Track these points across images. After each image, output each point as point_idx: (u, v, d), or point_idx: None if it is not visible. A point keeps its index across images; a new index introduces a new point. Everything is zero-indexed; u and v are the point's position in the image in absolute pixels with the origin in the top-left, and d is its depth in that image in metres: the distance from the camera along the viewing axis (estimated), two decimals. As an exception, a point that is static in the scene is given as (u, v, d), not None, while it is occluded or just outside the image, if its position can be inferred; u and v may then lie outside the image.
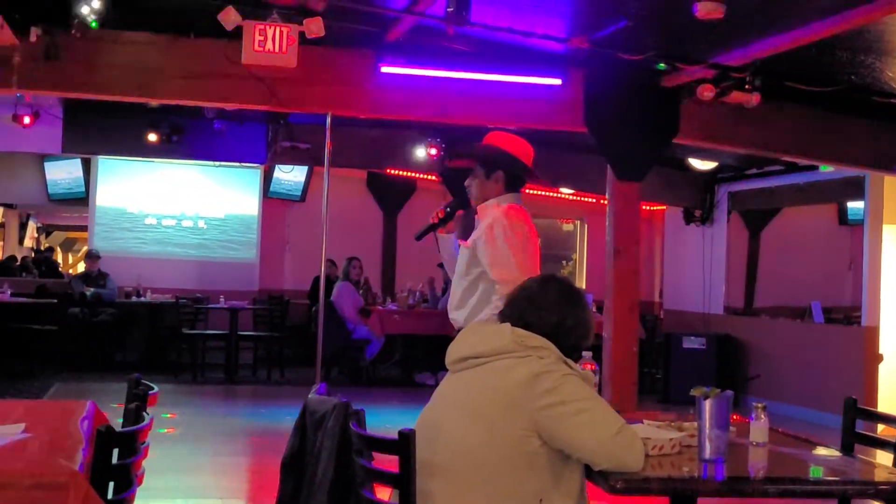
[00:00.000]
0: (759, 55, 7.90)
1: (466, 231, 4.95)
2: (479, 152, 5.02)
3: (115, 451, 3.27)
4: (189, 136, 13.55)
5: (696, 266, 14.24)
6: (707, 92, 8.22)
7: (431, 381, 12.80)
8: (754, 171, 13.28)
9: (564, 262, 18.40)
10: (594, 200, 15.78)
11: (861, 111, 9.56)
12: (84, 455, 3.23)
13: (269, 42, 7.80)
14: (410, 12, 7.80)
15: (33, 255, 21.11)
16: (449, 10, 6.98)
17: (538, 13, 8.11)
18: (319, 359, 9.74)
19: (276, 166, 15.69)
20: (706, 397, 3.27)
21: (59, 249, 26.72)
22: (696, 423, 3.38)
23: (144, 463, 3.61)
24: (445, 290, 13.08)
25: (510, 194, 4.88)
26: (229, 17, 7.66)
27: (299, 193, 16.30)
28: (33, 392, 10.95)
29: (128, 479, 3.44)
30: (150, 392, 4.02)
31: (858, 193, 11.62)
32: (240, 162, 14.81)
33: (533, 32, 8.23)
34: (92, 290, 13.94)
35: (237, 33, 7.84)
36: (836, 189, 12.46)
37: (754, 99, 8.27)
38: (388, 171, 15.54)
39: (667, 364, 12.95)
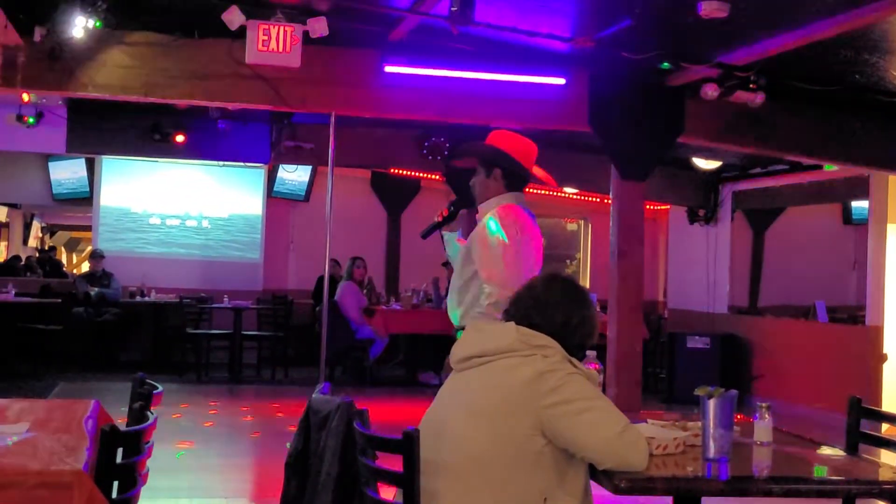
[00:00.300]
0: (763, 54, 7.90)
1: (469, 230, 4.96)
2: (478, 151, 5.02)
3: (120, 451, 3.27)
4: (193, 136, 13.56)
5: (700, 265, 14.23)
6: (711, 91, 8.22)
7: (435, 381, 12.79)
8: (758, 170, 13.27)
9: (568, 261, 18.38)
10: (598, 200, 15.79)
11: (865, 110, 9.56)
12: (88, 454, 3.23)
13: (273, 42, 7.81)
14: (414, 12, 7.80)
15: (38, 254, 21.14)
16: (453, 9, 6.98)
17: (542, 12, 8.10)
18: (323, 358, 9.74)
19: (280, 166, 15.69)
20: (710, 397, 3.27)
21: (63, 249, 26.78)
22: (700, 423, 3.37)
23: (149, 462, 3.61)
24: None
25: (510, 194, 4.86)
26: (233, 17, 7.68)
27: (303, 193, 16.30)
28: (38, 391, 10.95)
29: (132, 479, 3.44)
30: (155, 392, 4.02)
31: (863, 193, 11.61)
32: (244, 162, 14.81)
33: (537, 32, 8.23)
34: (96, 289, 13.95)
35: (241, 33, 7.85)
36: (840, 188, 12.44)
37: (759, 98, 8.27)
38: (391, 170, 15.55)
39: (671, 363, 12.94)
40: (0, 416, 3.87)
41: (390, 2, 8.40)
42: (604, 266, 10.20)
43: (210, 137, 13.59)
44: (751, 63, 8.11)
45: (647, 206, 12.28)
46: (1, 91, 8.29)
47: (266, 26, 7.81)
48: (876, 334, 11.13)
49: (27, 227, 23.43)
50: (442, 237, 5.13)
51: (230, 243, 15.60)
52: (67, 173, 16.30)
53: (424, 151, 13.58)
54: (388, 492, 3.32)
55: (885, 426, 6.63)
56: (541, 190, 13.97)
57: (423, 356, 13.90)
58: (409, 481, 3.06)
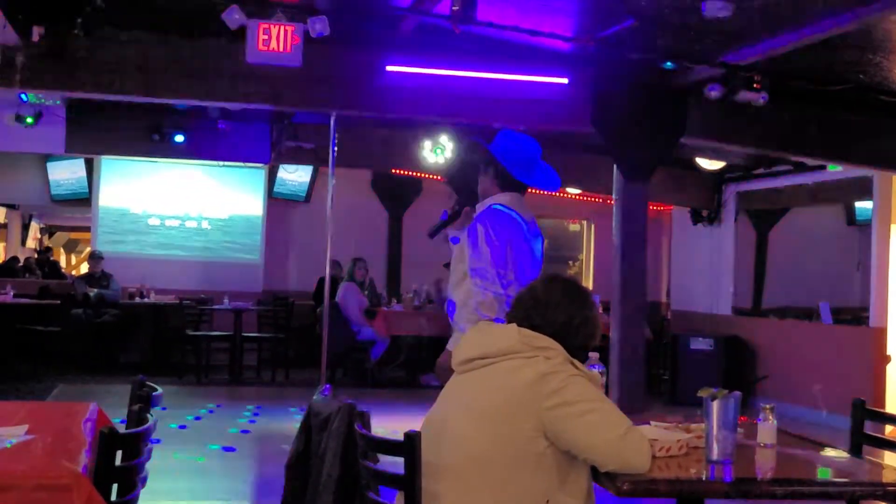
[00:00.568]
0: (767, 54, 7.88)
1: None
2: (477, 149, 5.00)
3: (119, 454, 3.25)
4: (193, 136, 13.55)
5: (703, 266, 14.21)
6: (715, 91, 8.20)
7: (437, 383, 12.73)
8: (762, 170, 13.26)
9: (571, 262, 18.37)
10: (601, 200, 15.76)
11: (869, 110, 9.54)
12: (87, 457, 3.23)
13: (274, 41, 7.79)
14: (416, 11, 7.78)
15: (36, 255, 21.13)
16: (455, 8, 6.96)
17: (545, 12, 8.09)
18: (324, 360, 9.73)
19: (281, 167, 15.69)
20: (714, 398, 3.26)
21: (61, 250, 26.77)
22: (703, 425, 3.35)
23: (148, 465, 3.58)
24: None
25: (504, 194, 4.84)
26: (234, 17, 7.65)
27: (304, 194, 16.30)
28: (37, 394, 10.94)
29: (131, 482, 3.42)
30: (154, 393, 3.99)
31: (866, 193, 11.59)
32: (244, 162, 14.80)
33: (540, 31, 8.20)
34: (95, 291, 13.93)
35: (241, 32, 7.83)
36: (844, 189, 12.42)
37: (762, 98, 8.25)
38: (393, 171, 15.53)
39: (674, 365, 12.92)
40: (-2, 418, 3.85)
41: (392, 1, 8.38)
42: (607, 267, 10.18)
43: (210, 138, 13.59)
44: (754, 63, 8.10)
45: (651, 207, 12.26)
46: None
47: (266, 26, 7.79)
48: (880, 336, 11.10)
49: (25, 228, 23.42)
50: (446, 237, 5.12)
51: (230, 244, 15.59)
52: (66, 174, 16.29)
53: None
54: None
55: (888, 428, 6.60)
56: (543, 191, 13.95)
57: (424, 358, 13.87)
58: (410, 483, 3.05)
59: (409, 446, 3.04)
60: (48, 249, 22.35)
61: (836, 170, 11.68)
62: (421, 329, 13.57)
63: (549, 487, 3.11)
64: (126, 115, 12.81)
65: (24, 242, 23.21)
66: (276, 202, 16.08)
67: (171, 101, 9.71)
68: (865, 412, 4.24)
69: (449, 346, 4.80)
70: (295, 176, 16.13)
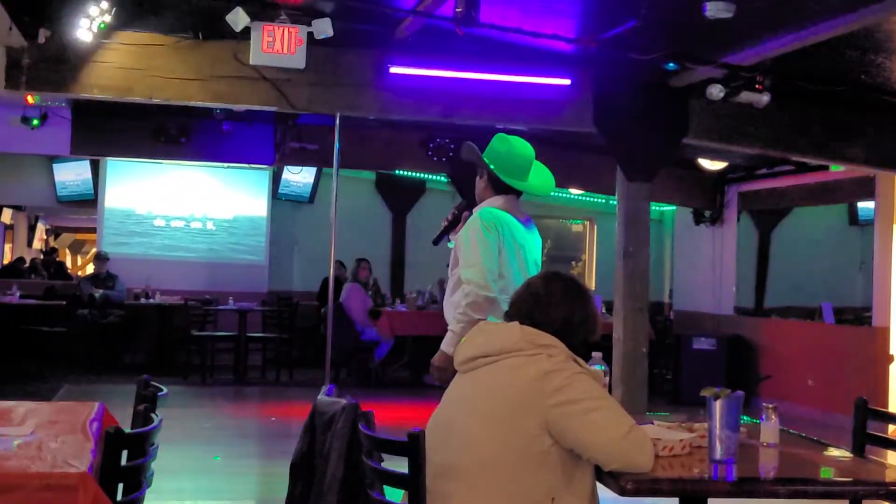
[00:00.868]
0: (768, 55, 7.88)
1: None
2: (470, 152, 5.00)
3: (125, 453, 3.27)
4: (197, 138, 13.56)
5: (706, 267, 14.20)
6: (717, 92, 8.20)
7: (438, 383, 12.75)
8: (764, 171, 13.24)
9: (573, 262, 18.37)
10: (603, 201, 15.77)
11: (871, 110, 9.53)
12: (93, 457, 3.23)
13: (278, 43, 7.81)
14: (419, 13, 7.79)
15: (42, 256, 21.17)
16: (458, 10, 6.97)
17: (547, 13, 8.10)
18: (328, 360, 9.74)
19: (285, 168, 15.70)
20: (717, 398, 3.25)
21: (67, 251, 26.79)
22: (706, 424, 3.36)
23: (154, 464, 3.60)
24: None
25: (498, 197, 4.85)
26: (238, 18, 7.67)
27: (308, 195, 16.31)
28: (42, 394, 10.95)
29: (137, 481, 3.44)
30: (160, 394, 4.01)
31: (869, 193, 11.58)
32: (248, 163, 14.80)
33: (542, 33, 8.21)
34: (101, 291, 13.95)
35: (245, 34, 7.85)
36: (846, 189, 12.41)
37: (764, 98, 8.24)
38: (397, 172, 15.54)
39: (677, 365, 12.92)
40: (5, 418, 3.87)
41: (395, 3, 8.40)
42: (609, 267, 10.16)
43: (214, 139, 13.60)
44: (756, 63, 8.09)
45: (653, 207, 12.26)
46: (5, 93, 8.28)
47: (270, 27, 7.81)
48: (883, 335, 11.09)
49: (31, 230, 23.46)
50: (449, 242, 5.15)
51: (235, 245, 15.61)
52: (72, 175, 16.33)
53: (430, 153, 13.57)
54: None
55: (891, 427, 6.60)
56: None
57: (428, 358, 13.85)
58: (414, 483, 3.05)
59: (413, 446, 3.04)
60: (54, 250, 22.38)
61: (838, 170, 11.67)
62: (425, 329, 13.57)
63: (555, 486, 3.12)
64: (131, 116, 12.82)
65: (30, 243, 23.25)
66: (281, 203, 16.10)
67: (175, 103, 9.70)
68: (868, 412, 4.24)
69: (442, 347, 4.85)
70: (299, 177, 16.16)
